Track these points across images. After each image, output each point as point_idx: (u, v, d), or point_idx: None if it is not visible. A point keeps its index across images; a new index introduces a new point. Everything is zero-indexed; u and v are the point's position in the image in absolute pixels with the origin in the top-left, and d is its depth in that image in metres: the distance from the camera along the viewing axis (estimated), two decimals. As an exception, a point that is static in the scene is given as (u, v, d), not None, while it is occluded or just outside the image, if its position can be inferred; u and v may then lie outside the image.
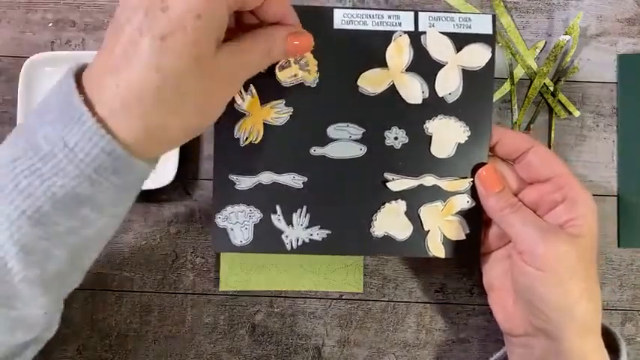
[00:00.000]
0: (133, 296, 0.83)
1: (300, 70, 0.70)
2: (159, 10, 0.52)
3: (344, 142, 0.71)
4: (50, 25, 0.85)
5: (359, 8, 0.71)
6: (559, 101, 0.82)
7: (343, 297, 0.83)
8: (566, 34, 0.82)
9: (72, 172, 0.52)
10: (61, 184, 0.52)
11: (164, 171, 0.79)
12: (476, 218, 0.73)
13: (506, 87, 0.83)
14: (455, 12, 0.72)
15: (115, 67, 0.53)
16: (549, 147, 0.83)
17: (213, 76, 0.57)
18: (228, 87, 0.62)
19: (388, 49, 0.70)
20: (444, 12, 0.71)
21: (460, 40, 0.70)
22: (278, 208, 0.71)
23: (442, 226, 0.72)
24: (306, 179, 0.71)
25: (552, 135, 0.83)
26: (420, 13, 0.70)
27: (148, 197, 0.83)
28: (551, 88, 0.82)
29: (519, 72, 0.83)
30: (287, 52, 0.64)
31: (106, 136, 0.52)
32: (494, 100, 0.78)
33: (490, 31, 0.70)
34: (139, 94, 0.53)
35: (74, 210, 0.54)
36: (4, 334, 0.58)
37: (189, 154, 0.84)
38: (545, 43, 0.84)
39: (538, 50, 0.83)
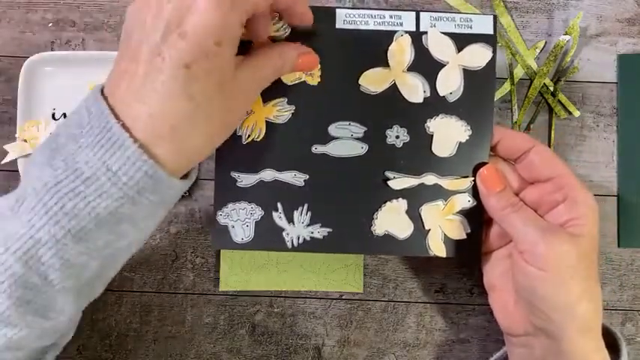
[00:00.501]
0: (133, 296, 0.83)
1: (304, 74, 0.71)
2: (177, 35, 0.54)
3: (345, 141, 0.71)
4: (50, 25, 0.85)
5: (360, 8, 0.71)
6: (559, 101, 0.83)
7: (343, 297, 0.83)
8: (566, 34, 0.82)
9: (115, 194, 0.54)
10: (105, 205, 0.54)
11: None
12: (477, 217, 0.73)
13: (506, 87, 0.83)
14: (456, 12, 0.72)
15: (142, 94, 0.55)
16: (549, 147, 0.83)
17: (234, 95, 0.61)
18: (247, 101, 0.66)
19: (390, 48, 0.70)
20: (446, 12, 0.72)
21: (461, 40, 0.71)
22: (279, 205, 0.71)
23: (443, 225, 0.72)
24: (307, 177, 0.71)
25: (552, 135, 0.83)
26: (421, 13, 0.71)
27: None
28: (551, 88, 0.82)
29: (519, 72, 0.83)
30: (295, 69, 0.68)
31: (149, 160, 0.54)
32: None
33: (491, 32, 0.71)
34: (174, 122, 0.56)
35: (114, 227, 0.56)
36: (33, 341, 0.59)
37: None
38: (545, 43, 0.84)
39: (538, 50, 0.83)
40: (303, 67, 0.68)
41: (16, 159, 0.81)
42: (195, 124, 0.57)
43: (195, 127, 0.57)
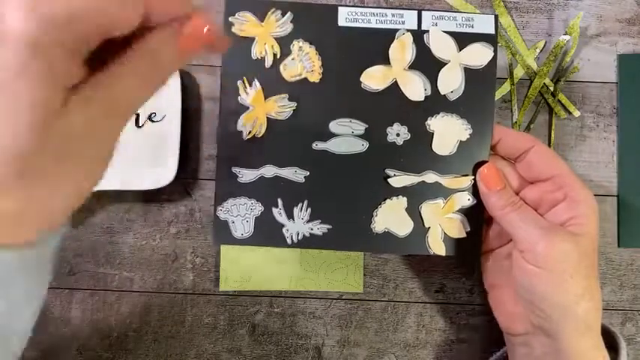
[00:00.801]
0: (133, 296, 0.83)
1: (305, 71, 0.71)
2: None
3: (346, 138, 0.72)
4: None
5: (362, 7, 0.71)
6: (559, 101, 0.83)
7: (343, 297, 0.84)
8: (566, 34, 0.83)
9: None
10: None
11: (164, 171, 0.80)
12: (477, 216, 0.73)
13: (506, 87, 0.83)
14: (457, 11, 0.73)
15: None
16: (549, 147, 0.83)
17: (71, 138, 0.40)
18: (104, 148, 0.44)
19: (391, 46, 0.71)
20: (447, 11, 0.72)
21: (463, 39, 0.71)
22: (279, 201, 0.72)
23: (443, 223, 0.73)
24: (307, 173, 0.72)
25: (552, 135, 0.83)
26: (423, 12, 0.71)
27: (148, 197, 0.84)
28: (551, 88, 0.83)
29: (519, 72, 0.84)
30: (184, 54, 0.45)
31: None
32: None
33: (492, 31, 0.71)
34: None
35: None
36: None
37: (189, 154, 0.84)
38: (545, 43, 0.84)
39: (538, 50, 0.84)
40: (193, 46, 0.45)
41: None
42: (9, 190, 0.38)
43: (11, 193, 0.39)
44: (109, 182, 0.80)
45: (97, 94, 0.40)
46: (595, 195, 0.69)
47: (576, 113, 0.83)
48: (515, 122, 0.83)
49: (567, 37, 0.82)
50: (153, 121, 0.81)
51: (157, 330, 0.83)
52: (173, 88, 0.80)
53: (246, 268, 0.83)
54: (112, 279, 0.83)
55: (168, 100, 0.80)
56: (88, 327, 0.83)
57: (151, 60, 0.43)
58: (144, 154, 0.81)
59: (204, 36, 0.45)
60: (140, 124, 0.81)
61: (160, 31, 0.43)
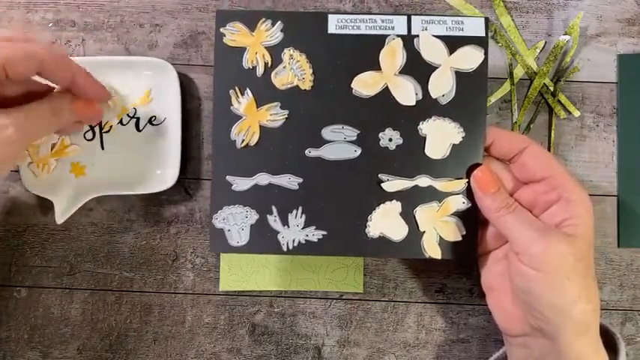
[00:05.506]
0: (133, 296, 0.87)
1: (296, 78, 0.75)
2: None
3: (339, 144, 0.75)
4: (50, 25, 0.88)
5: (354, 13, 0.76)
6: (559, 101, 0.86)
7: (343, 297, 0.87)
8: (566, 34, 0.86)
9: None
10: None
11: (166, 174, 0.83)
12: (472, 219, 0.76)
13: (506, 87, 0.86)
14: (447, 15, 0.73)
15: None
16: (549, 147, 0.86)
17: None
18: (11, 149, 0.69)
19: (382, 52, 0.75)
20: (437, 15, 0.75)
21: (453, 43, 0.75)
22: (274, 208, 0.76)
23: (438, 226, 0.76)
24: (301, 180, 0.76)
25: (552, 135, 0.86)
26: (412, 17, 0.75)
27: (148, 197, 0.87)
28: (551, 88, 0.86)
29: (519, 72, 0.87)
30: (77, 115, 0.76)
31: None
32: (493, 101, 0.83)
33: (483, 34, 0.74)
34: None
35: None
36: None
37: (189, 154, 0.88)
38: (545, 43, 0.87)
39: (538, 50, 0.87)
40: (84, 113, 0.77)
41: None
42: None
43: None
44: (113, 187, 0.84)
45: (19, 113, 0.68)
46: (595, 195, 0.71)
47: (576, 113, 0.86)
48: (515, 122, 0.86)
49: (567, 37, 0.85)
50: (153, 125, 0.84)
51: (157, 330, 0.87)
52: (173, 91, 0.83)
53: (246, 268, 0.87)
54: (112, 279, 0.87)
55: (168, 103, 0.83)
56: (88, 327, 0.87)
57: (50, 107, 0.72)
58: (145, 158, 0.85)
59: (85, 112, 0.77)
60: (140, 129, 0.84)
61: (63, 93, 0.75)
